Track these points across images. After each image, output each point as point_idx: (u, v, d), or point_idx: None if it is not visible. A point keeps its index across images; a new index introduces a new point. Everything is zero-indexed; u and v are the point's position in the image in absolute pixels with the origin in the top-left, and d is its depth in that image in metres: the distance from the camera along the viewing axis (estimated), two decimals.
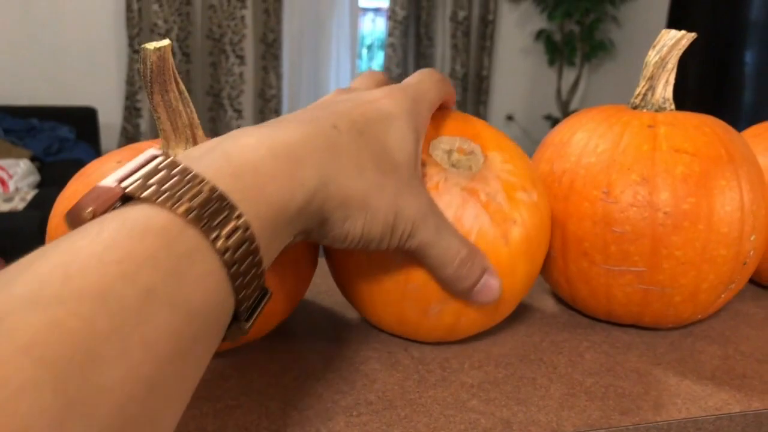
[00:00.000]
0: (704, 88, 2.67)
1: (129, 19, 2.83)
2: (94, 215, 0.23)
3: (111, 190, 0.23)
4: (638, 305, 0.43)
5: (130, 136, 2.94)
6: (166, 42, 0.35)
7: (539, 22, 3.25)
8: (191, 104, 0.37)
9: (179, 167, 0.24)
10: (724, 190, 0.41)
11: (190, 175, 0.24)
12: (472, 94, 3.30)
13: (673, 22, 2.72)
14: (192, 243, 0.22)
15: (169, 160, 0.24)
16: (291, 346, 0.42)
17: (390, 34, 3.15)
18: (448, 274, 0.34)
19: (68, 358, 0.17)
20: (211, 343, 0.23)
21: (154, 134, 2.95)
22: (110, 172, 0.36)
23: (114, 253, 0.20)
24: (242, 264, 0.24)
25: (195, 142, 0.38)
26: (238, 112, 3.05)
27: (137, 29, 2.84)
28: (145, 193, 0.23)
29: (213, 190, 0.23)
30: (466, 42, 3.20)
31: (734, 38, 2.54)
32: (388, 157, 0.31)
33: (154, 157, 0.25)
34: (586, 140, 0.43)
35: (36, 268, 0.19)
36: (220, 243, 0.23)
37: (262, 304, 0.27)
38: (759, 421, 0.38)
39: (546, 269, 0.46)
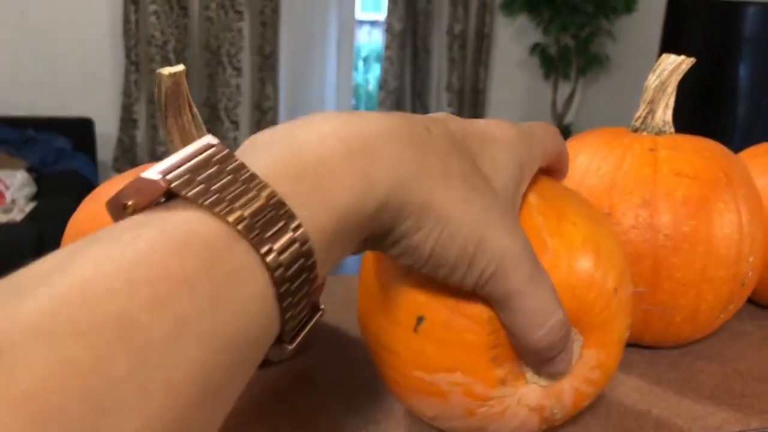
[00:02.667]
0: (699, 102, 2.70)
1: (126, 31, 2.84)
2: (135, 210, 0.20)
3: (155, 183, 0.20)
4: (640, 325, 0.43)
5: (126, 147, 2.94)
6: (180, 68, 0.36)
7: (534, 36, 3.28)
8: (203, 127, 0.38)
9: (235, 163, 0.21)
10: (723, 213, 0.42)
11: (246, 175, 0.20)
12: (469, 107, 3.32)
13: (668, 37, 2.75)
14: (239, 260, 0.19)
15: (224, 152, 0.21)
16: (300, 364, 0.43)
17: (387, 47, 3.17)
18: (534, 339, 0.27)
19: (74, 414, 0.14)
20: (248, 371, 0.20)
21: (150, 145, 2.95)
22: None
23: (146, 270, 0.17)
24: (294, 282, 0.20)
25: None
26: (235, 123, 3.05)
27: (134, 41, 2.85)
28: (191, 193, 0.20)
29: (271, 195, 0.20)
30: (462, 55, 3.22)
31: (728, 53, 2.57)
32: (481, 179, 0.26)
33: (209, 147, 0.21)
34: (588, 162, 0.44)
35: (52, 283, 0.16)
36: (271, 258, 0.19)
37: (311, 323, 0.23)
38: None
39: None
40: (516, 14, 3.27)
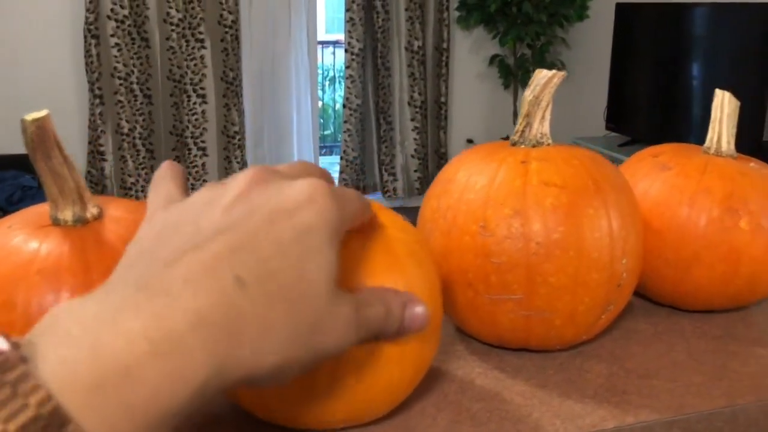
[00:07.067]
0: (654, 103, 2.75)
1: (88, 64, 2.84)
2: None
3: None
4: (523, 330, 0.45)
5: (95, 179, 2.94)
6: (44, 112, 0.37)
7: (492, 47, 3.33)
8: (76, 169, 0.39)
9: (17, 372, 0.19)
10: (592, 219, 0.43)
11: (27, 386, 0.19)
12: (432, 120, 3.36)
13: (619, 41, 2.81)
14: None
15: (9, 357, 0.19)
16: None
17: (348, 66, 3.20)
18: (376, 336, 0.30)
19: None
20: None
21: (119, 178, 2.95)
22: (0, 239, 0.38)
23: None
24: None
25: (83, 204, 0.39)
26: (203, 150, 3.06)
27: (97, 74, 2.85)
28: None
29: (55, 411, 0.19)
30: (422, 70, 3.26)
31: (679, 53, 2.62)
32: (305, 292, 0.26)
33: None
34: (467, 177, 0.46)
35: None
36: None
37: None
38: None
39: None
40: (472, 27, 3.32)
